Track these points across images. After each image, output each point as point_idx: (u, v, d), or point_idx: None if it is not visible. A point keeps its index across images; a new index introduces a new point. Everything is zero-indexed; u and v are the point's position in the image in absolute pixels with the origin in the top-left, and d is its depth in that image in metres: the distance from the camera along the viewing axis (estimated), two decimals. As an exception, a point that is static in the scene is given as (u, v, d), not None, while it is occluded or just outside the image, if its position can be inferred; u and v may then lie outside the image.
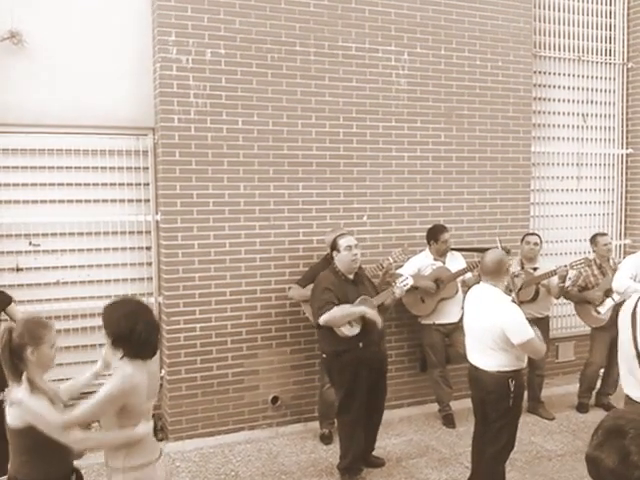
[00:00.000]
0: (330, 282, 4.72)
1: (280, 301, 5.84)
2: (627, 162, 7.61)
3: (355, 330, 4.68)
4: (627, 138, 7.57)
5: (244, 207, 5.70)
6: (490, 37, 6.55)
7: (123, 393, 2.90)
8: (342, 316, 4.62)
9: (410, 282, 5.11)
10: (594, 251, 6.28)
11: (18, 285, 5.34)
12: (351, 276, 4.82)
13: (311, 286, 5.13)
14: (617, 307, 5.86)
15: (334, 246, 4.83)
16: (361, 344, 4.68)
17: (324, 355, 4.94)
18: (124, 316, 2.98)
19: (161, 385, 5.70)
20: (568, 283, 6.17)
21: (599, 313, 6.06)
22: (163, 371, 5.66)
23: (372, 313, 4.69)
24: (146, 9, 5.53)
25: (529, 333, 4.00)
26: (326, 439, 5.59)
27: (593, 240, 6.30)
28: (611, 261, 6.29)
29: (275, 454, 5.39)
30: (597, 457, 1.62)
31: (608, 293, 6.01)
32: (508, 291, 4.89)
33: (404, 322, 6.24)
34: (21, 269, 5.38)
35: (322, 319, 4.63)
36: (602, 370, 6.37)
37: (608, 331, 6.01)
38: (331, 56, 5.91)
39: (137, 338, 2.95)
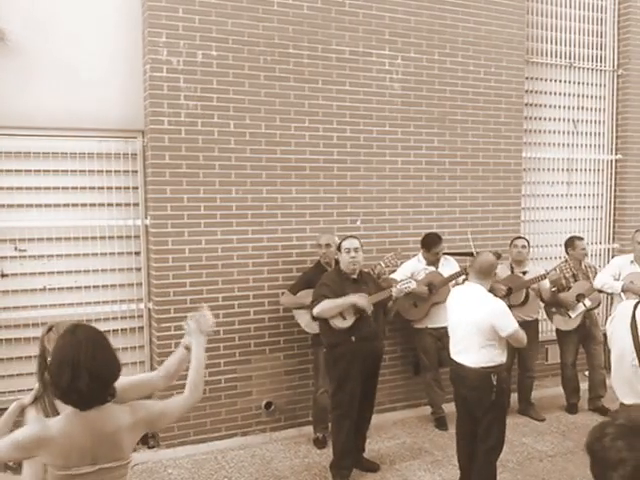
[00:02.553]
0: (330, 279, 4.64)
1: (273, 306, 5.39)
2: (616, 168, 7.23)
3: (347, 323, 4.51)
4: (616, 144, 7.18)
5: (236, 211, 5.24)
6: (484, 43, 6.12)
7: (31, 444, 2.15)
8: (331, 307, 4.50)
9: (413, 286, 4.84)
10: (569, 254, 5.97)
11: (3, 291, 4.85)
12: (354, 276, 4.64)
13: (302, 293, 5.00)
14: (587, 312, 5.86)
15: (339, 247, 4.70)
16: (353, 338, 4.52)
17: (324, 349, 4.80)
18: (55, 351, 2.26)
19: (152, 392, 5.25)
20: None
21: (570, 317, 5.82)
22: (154, 378, 5.17)
23: (361, 301, 4.50)
24: (136, 9, 5.02)
25: (515, 324, 4.00)
26: (320, 443, 5.24)
27: (570, 243, 5.98)
28: (583, 265, 5.98)
29: (269, 459, 5.02)
30: (588, 435, 1.62)
31: (579, 298, 5.80)
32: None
33: (397, 326, 5.83)
34: (6, 275, 4.86)
35: (314, 310, 4.57)
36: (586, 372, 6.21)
37: (576, 333, 5.94)
38: (325, 59, 5.45)
39: (60, 381, 2.19)
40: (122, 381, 2.40)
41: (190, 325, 2.68)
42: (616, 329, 3.44)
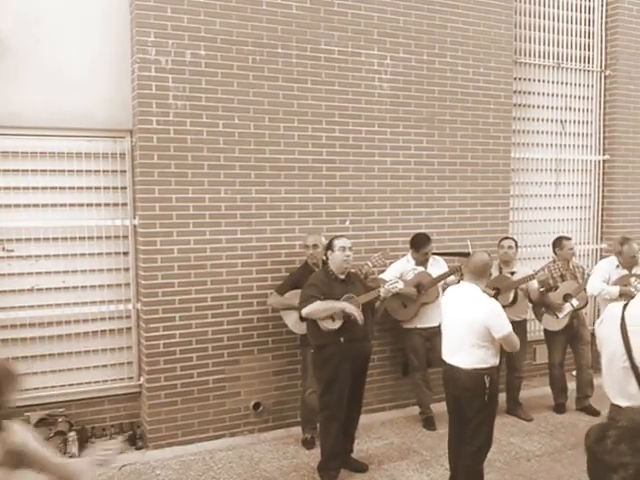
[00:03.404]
0: (319, 279, 4.61)
1: (262, 307, 5.37)
2: (604, 168, 7.26)
3: (336, 325, 4.50)
4: (604, 145, 7.20)
5: (225, 211, 5.22)
6: (472, 43, 6.13)
7: None
8: (321, 310, 4.49)
9: (400, 286, 4.86)
10: (557, 254, 5.98)
11: (-10, 292, 4.82)
12: (342, 276, 4.64)
13: (290, 293, 5.00)
14: (574, 312, 5.86)
15: (329, 246, 4.67)
16: (342, 339, 4.51)
17: (312, 350, 4.78)
18: None
19: (140, 393, 5.25)
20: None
21: (557, 317, 5.83)
22: (142, 379, 5.18)
23: (351, 308, 4.50)
24: (124, 9, 5.00)
25: (509, 327, 3.95)
26: (308, 444, 5.21)
27: (558, 243, 5.98)
28: (571, 265, 5.99)
29: (257, 460, 4.99)
30: (586, 434, 1.57)
31: (567, 298, 5.82)
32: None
33: (387, 327, 5.84)
34: (-7, 275, 4.84)
35: (303, 311, 4.54)
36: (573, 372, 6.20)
37: (564, 333, 5.94)
38: (313, 59, 5.44)
39: None
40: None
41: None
42: (606, 331, 3.40)
